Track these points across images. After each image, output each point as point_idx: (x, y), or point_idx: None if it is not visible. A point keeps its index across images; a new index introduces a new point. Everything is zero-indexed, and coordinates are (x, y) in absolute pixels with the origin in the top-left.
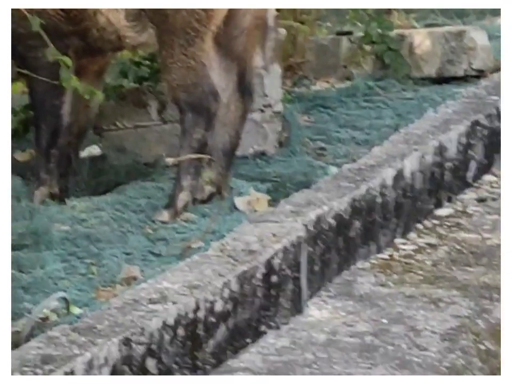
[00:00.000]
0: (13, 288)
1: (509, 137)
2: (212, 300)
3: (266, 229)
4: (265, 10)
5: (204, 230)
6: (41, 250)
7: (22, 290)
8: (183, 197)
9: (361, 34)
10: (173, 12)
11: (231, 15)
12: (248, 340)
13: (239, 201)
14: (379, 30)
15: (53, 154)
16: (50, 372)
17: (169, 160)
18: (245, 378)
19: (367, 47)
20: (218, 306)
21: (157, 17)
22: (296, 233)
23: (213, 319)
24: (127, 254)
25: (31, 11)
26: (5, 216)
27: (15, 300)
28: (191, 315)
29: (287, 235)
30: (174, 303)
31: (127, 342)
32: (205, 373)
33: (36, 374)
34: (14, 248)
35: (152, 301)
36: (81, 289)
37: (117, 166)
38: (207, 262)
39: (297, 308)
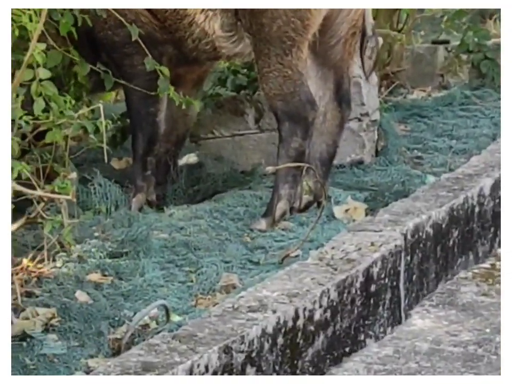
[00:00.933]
0: (113, 295)
1: (509, 137)
2: (311, 308)
3: (365, 238)
4: (362, 19)
5: (302, 238)
6: (141, 257)
7: (122, 298)
8: (281, 206)
9: (457, 43)
10: (269, 21)
11: (328, 23)
12: (347, 349)
13: (337, 210)
14: (475, 39)
15: (150, 162)
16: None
17: (268, 169)
18: (245, 378)
19: (464, 56)
20: (317, 315)
21: (253, 27)
22: (395, 242)
23: (312, 328)
24: (226, 262)
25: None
26: (5, 217)
27: (115, 307)
28: (290, 323)
29: (386, 244)
30: (273, 311)
31: (227, 350)
32: None
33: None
34: (113, 255)
35: (251, 309)
36: (180, 297)
37: (214, 174)
38: (306, 270)
39: (395, 317)
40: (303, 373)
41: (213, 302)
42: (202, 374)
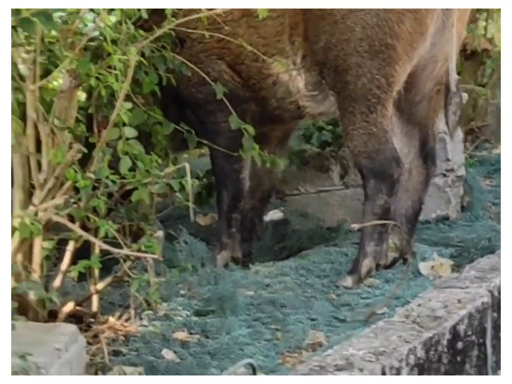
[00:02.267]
0: (199, 353)
1: (509, 138)
2: (397, 366)
3: (451, 295)
4: (446, 75)
5: (389, 295)
6: (227, 315)
7: (208, 356)
8: (367, 263)
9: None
10: (354, 78)
11: (412, 81)
12: None
13: (423, 267)
14: None
15: (235, 219)
16: None
17: (354, 226)
18: (245, 378)
19: None
20: (404, 373)
21: (338, 85)
22: (481, 299)
23: None
24: (312, 319)
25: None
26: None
27: (202, 366)
28: (377, 382)
29: (472, 301)
30: (360, 369)
31: None
32: None
33: None
34: (199, 313)
35: (338, 368)
36: (267, 355)
37: (300, 231)
38: (392, 328)
39: (482, 374)
40: None
41: (299, 360)
42: None
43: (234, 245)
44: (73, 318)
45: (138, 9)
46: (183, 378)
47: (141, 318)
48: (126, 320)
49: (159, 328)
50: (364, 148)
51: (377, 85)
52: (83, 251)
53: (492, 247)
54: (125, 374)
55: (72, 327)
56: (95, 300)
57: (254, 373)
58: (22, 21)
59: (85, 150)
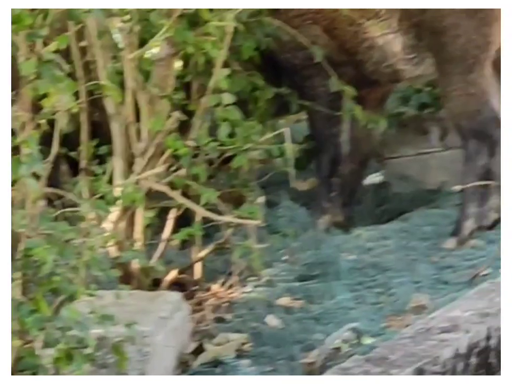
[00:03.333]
0: (303, 319)
1: (509, 139)
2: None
3: None
4: None
5: (492, 256)
6: (330, 280)
7: (313, 321)
8: (469, 225)
9: None
10: (451, 39)
11: None
12: None
13: None
14: None
15: (335, 183)
16: None
17: (456, 188)
18: (245, 378)
19: None
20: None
21: (435, 47)
22: None
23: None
24: (415, 282)
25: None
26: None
27: (306, 331)
28: (483, 343)
29: None
30: (466, 331)
31: (420, 372)
32: None
33: None
34: (303, 278)
35: (444, 330)
36: (371, 318)
37: (401, 194)
38: (496, 289)
39: None
40: None
41: (404, 324)
42: None
43: (335, 209)
44: (177, 285)
45: None
46: (185, 378)
47: (243, 285)
48: (229, 287)
49: (263, 295)
50: (463, 109)
51: (475, 45)
52: (185, 219)
53: None
54: (229, 341)
55: (176, 295)
56: (197, 267)
57: (359, 337)
58: None
59: (185, 118)
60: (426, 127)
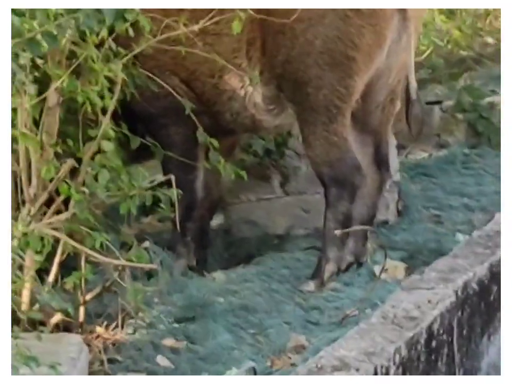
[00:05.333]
0: (191, 359)
1: (509, 139)
2: (386, 365)
3: (420, 296)
4: (399, 84)
5: (359, 298)
6: (206, 322)
7: (201, 361)
8: (329, 268)
9: (450, 102)
10: (314, 90)
11: (368, 90)
12: None
13: (378, 270)
14: (470, 99)
15: (189, 228)
16: None
17: (337, 232)
18: (245, 378)
19: (459, 115)
20: (392, 372)
21: (298, 97)
22: (449, 299)
23: None
24: (286, 323)
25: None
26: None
27: (197, 370)
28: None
29: (441, 301)
30: (356, 369)
31: None
32: None
33: None
34: (181, 320)
35: (335, 368)
36: (254, 359)
37: (248, 238)
38: (374, 329)
39: (451, 372)
40: None
41: (288, 363)
42: None
43: (189, 253)
44: (58, 328)
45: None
46: (183, 378)
47: (124, 327)
48: (113, 329)
49: (147, 336)
50: (326, 157)
51: (337, 96)
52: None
53: (439, 249)
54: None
55: (76, 337)
56: (82, 310)
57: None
58: (28, 41)
59: (77, 165)
60: (268, 174)
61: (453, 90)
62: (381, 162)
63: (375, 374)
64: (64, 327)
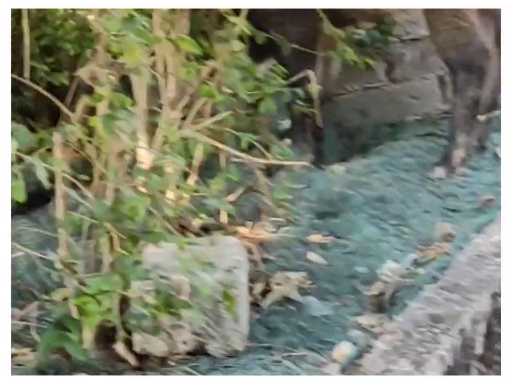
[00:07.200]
0: (343, 254)
1: (509, 139)
2: None
3: None
4: None
5: (486, 182)
6: (347, 215)
7: (352, 255)
8: (459, 154)
9: None
10: None
11: None
12: None
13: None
14: None
15: (306, 122)
16: None
17: (480, 117)
18: (245, 378)
19: None
20: None
21: None
22: None
23: None
24: (426, 211)
25: None
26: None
27: (351, 265)
28: None
29: None
30: None
31: (496, 295)
32: None
33: None
34: (321, 216)
35: (496, 255)
36: (402, 250)
37: (360, 128)
38: None
39: None
40: None
41: (442, 252)
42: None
43: (309, 147)
44: (203, 230)
45: None
46: (185, 378)
47: (268, 226)
48: (257, 229)
49: (292, 233)
50: (453, 42)
51: None
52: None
53: None
54: (287, 280)
55: (233, 239)
56: (223, 212)
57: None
58: None
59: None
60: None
61: None
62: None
63: None
64: (206, 229)
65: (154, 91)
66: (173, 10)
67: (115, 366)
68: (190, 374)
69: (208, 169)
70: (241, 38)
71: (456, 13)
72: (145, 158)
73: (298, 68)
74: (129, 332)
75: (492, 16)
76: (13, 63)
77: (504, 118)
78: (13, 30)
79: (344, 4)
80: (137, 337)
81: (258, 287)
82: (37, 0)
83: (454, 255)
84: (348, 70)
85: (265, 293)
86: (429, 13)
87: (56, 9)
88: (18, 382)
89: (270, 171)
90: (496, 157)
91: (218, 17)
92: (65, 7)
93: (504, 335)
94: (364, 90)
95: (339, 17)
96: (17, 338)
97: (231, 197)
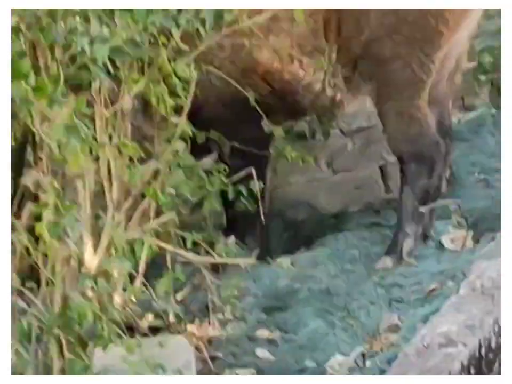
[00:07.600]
0: (290, 349)
1: (509, 139)
2: (488, 337)
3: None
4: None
5: (431, 272)
6: (295, 309)
7: (300, 351)
8: (408, 243)
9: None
10: (401, 66)
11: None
12: None
13: (445, 240)
14: (490, 59)
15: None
16: None
17: (423, 208)
18: (244, 378)
19: (482, 77)
20: (493, 343)
21: (379, 74)
22: None
23: (491, 356)
24: (371, 303)
25: None
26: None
27: (298, 361)
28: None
29: None
30: (464, 344)
31: None
32: None
33: None
34: (267, 311)
35: (442, 345)
36: (349, 342)
37: (304, 220)
38: (466, 302)
39: None
40: None
41: (386, 344)
42: None
43: (254, 242)
44: (152, 330)
45: None
46: (185, 378)
47: (214, 323)
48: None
49: (239, 330)
50: (407, 134)
51: (424, 71)
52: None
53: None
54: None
55: (183, 339)
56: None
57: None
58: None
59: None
60: (315, 154)
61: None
62: (445, 133)
63: (480, 347)
64: (154, 329)
65: (98, 193)
66: (114, 114)
67: None
68: None
69: (155, 268)
70: (183, 138)
71: (412, 104)
72: (91, 262)
73: (241, 164)
74: None
75: (437, 105)
76: None
77: (504, 118)
78: None
79: (344, 4)
80: None
81: None
82: (37, 0)
83: (401, 346)
84: (291, 163)
85: None
86: (383, 104)
87: None
88: (18, 382)
89: (216, 268)
90: (441, 246)
91: (160, 119)
92: (65, 7)
93: (504, 335)
94: (308, 182)
95: (285, 110)
96: None
97: (179, 296)
